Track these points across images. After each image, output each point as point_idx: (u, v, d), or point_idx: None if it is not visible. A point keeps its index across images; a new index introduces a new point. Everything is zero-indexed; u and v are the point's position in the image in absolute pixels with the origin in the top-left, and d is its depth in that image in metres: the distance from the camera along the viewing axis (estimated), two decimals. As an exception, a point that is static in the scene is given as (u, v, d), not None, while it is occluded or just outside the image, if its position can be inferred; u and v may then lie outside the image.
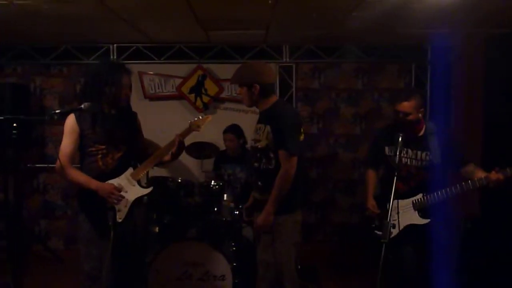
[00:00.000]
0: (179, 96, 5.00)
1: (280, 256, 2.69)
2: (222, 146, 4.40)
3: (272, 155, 2.68)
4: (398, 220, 2.86)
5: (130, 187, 2.65)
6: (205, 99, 4.99)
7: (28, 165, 4.93)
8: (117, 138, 2.62)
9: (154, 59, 4.94)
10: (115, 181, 2.60)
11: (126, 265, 2.65)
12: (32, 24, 3.92)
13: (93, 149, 2.58)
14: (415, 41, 4.76)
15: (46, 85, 5.02)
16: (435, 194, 2.80)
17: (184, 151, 2.87)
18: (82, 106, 2.45)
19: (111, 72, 2.58)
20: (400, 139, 2.62)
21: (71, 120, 2.57)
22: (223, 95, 5.00)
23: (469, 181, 2.71)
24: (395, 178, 2.52)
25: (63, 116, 2.56)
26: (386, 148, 3.00)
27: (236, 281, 3.25)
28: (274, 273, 2.72)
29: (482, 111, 4.21)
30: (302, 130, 2.81)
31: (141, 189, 2.71)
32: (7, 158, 4.02)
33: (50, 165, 4.81)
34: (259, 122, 2.81)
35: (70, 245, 4.97)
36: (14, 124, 2.31)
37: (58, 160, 2.52)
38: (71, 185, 3.23)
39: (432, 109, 4.70)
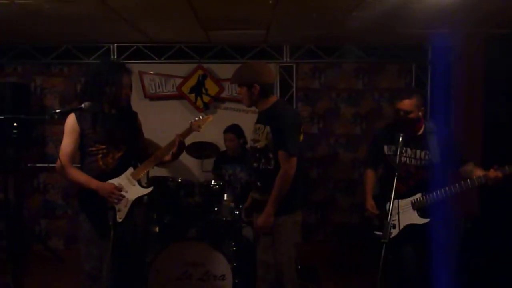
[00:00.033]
0: (179, 96, 5.00)
1: (280, 257, 2.69)
2: (222, 146, 4.40)
3: (271, 155, 2.67)
4: (398, 220, 2.86)
5: (130, 187, 2.65)
6: (206, 99, 5.00)
7: (29, 165, 4.93)
8: (118, 137, 2.62)
9: (155, 59, 4.94)
10: (115, 181, 2.61)
11: (126, 265, 2.65)
12: (33, 24, 3.93)
13: (94, 148, 2.58)
14: (415, 41, 4.76)
15: (47, 85, 5.02)
16: (434, 193, 2.79)
17: (184, 151, 2.87)
18: (83, 105, 2.45)
19: (112, 71, 2.58)
20: (400, 139, 2.61)
21: (71, 120, 2.57)
22: (224, 95, 5.00)
23: (468, 180, 2.71)
24: (396, 178, 2.51)
25: (64, 115, 2.57)
26: (385, 147, 3.00)
27: (236, 281, 3.25)
28: (274, 274, 2.72)
29: (482, 111, 4.21)
30: (301, 130, 2.81)
31: (142, 189, 2.71)
32: (8, 157, 4.02)
33: (51, 165, 4.81)
34: (258, 122, 2.80)
35: (71, 245, 4.97)
36: (15, 124, 2.31)
37: (58, 160, 2.52)
38: (72, 184, 3.23)
39: (433, 109, 4.70)
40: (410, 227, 2.86)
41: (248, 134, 3.86)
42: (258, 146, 2.72)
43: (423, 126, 2.91)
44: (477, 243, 3.49)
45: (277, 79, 5.00)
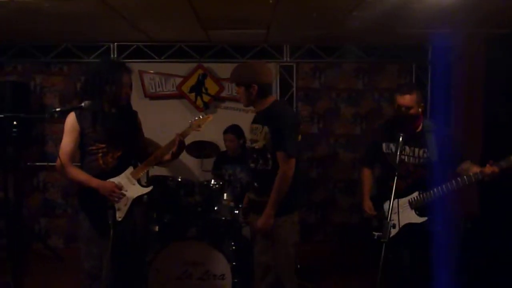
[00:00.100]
0: (179, 95, 5.00)
1: (280, 258, 2.69)
2: (222, 145, 4.40)
3: (269, 156, 2.65)
4: (398, 220, 2.85)
5: (130, 186, 2.65)
6: (206, 98, 5.00)
7: (28, 163, 4.93)
8: (117, 137, 2.62)
9: (155, 58, 4.94)
10: (115, 180, 2.60)
11: (126, 264, 2.64)
12: (33, 22, 3.92)
13: (94, 147, 2.57)
14: (416, 41, 4.76)
15: (47, 84, 5.02)
16: (431, 191, 2.78)
17: (184, 150, 2.87)
18: (83, 104, 2.45)
19: (112, 70, 2.58)
20: (400, 139, 2.60)
21: (71, 119, 2.57)
22: (224, 94, 5.00)
23: (464, 176, 2.69)
24: (395, 177, 2.50)
25: (64, 114, 2.56)
26: (384, 145, 2.97)
27: (236, 280, 3.24)
28: (273, 275, 2.72)
29: (482, 111, 4.22)
30: (300, 131, 2.80)
31: (141, 188, 2.71)
32: (7, 156, 4.01)
33: (50, 164, 4.76)
34: (255, 122, 2.78)
35: (70, 244, 4.97)
36: (14, 122, 2.31)
37: (58, 159, 2.52)
38: (71, 183, 3.23)
39: (433, 109, 4.71)
40: (409, 226, 2.85)
41: (248, 134, 3.86)
42: (256, 147, 2.71)
43: (422, 124, 2.90)
44: (477, 243, 3.50)
45: (277, 78, 5.01)
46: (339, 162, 5.17)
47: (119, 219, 2.58)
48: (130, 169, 2.67)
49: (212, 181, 3.76)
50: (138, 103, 4.34)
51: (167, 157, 2.77)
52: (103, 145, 2.59)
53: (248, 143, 2.84)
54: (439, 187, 2.75)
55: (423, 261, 2.79)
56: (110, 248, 2.47)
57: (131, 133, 2.73)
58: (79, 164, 2.65)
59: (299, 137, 2.76)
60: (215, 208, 3.64)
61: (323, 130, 5.17)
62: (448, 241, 2.90)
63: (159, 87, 5.00)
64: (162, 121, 4.50)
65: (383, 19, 3.61)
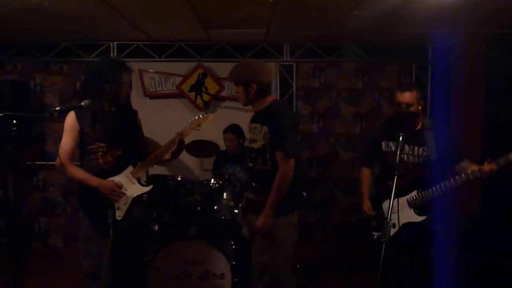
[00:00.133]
0: (179, 95, 5.00)
1: (278, 258, 2.68)
2: (222, 144, 4.40)
3: (268, 156, 2.64)
4: (398, 219, 2.85)
5: (130, 185, 2.64)
6: (206, 97, 4.99)
7: (28, 162, 4.93)
8: (117, 136, 2.62)
9: (155, 57, 4.94)
10: (115, 179, 2.60)
11: (125, 264, 2.65)
12: (33, 21, 3.92)
13: (93, 146, 2.57)
14: (416, 41, 4.76)
15: (47, 83, 5.02)
16: (430, 190, 2.77)
17: (184, 149, 2.87)
18: (82, 103, 2.45)
19: (111, 69, 2.57)
20: (400, 138, 2.59)
21: (71, 118, 2.57)
22: (224, 93, 5.00)
23: (463, 174, 2.68)
24: (396, 177, 2.50)
25: (63, 113, 2.56)
26: (383, 144, 2.96)
27: (235, 279, 3.24)
28: (271, 275, 2.71)
29: (482, 111, 4.21)
30: (299, 131, 2.78)
31: (141, 187, 2.71)
32: (7, 155, 4.01)
33: (50, 163, 4.82)
34: (254, 121, 2.76)
35: (70, 243, 4.97)
36: (14, 121, 2.30)
37: (58, 158, 2.51)
38: (71, 182, 3.23)
39: (433, 109, 4.71)
40: (408, 225, 2.84)
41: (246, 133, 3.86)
42: (255, 147, 2.69)
43: (421, 122, 2.90)
44: (477, 243, 3.49)
45: (277, 78, 5.01)
46: (339, 162, 5.17)
47: (119, 218, 2.58)
48: (130, 168, 2.67)
49: (212, 181, 3.76)
50: (138, 102, 4.31)
51: (167, 156, 2.77)
52: (103, 144, 2.58)
53: (247, 143, 2.82)
54: (438, 186, 2.75)
55: (423, 260, 2.78)
56: (109, 247, 2.47)
57: (131, 132, 2.72)
58: (78, 163, 2.65)
59: (299, 137, 2.75)
60: (215, 207, 3.64)
61: (323, 130, 5.17)
62: (448, 240, 2.90)
63: (159, 86, 4.99)
64: (162, 120, 4.49)
65: (383, 18, 3.61)
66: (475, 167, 2.67)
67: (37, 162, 4.97)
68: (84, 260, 2.60)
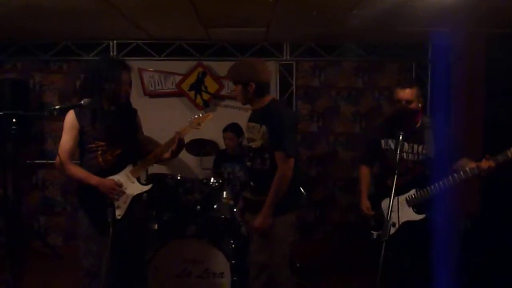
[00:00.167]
0: (179, 93, 4.99)
1: (276, 257, 2.68)
2: (221, 143, 4.40)
3: (267, 155, 2.63)
4: (398, 218, 2.84)
5: (129, 184, 2.64)
6: (205, 96, 4.99)
7: (27, 161, 4.93)
8: (117, 135, 2.62)
9: (154, 56, 4.93)
10: (114, 178, 2.60)
11: (125, 262, 2.65)
12: (33, 20, 3.92)
13: (93, 145, 2.57)
14: (416, 40, 4.76)
15: (46, 81, 5.01)
16: (428, 188, 2.77)
17: (184, 148, 2.86)
18: (82, 102, 2.44)
19: (111, 68, 2.57)
20: (400, 137, 2.59)
21: (70, 117, 2.57)
22: (223, 92, 4.99)
23: (461, 172, 2.68)
24: (396, 176, 2.49)
25: (63, 112, 2.56)
26: (382, 142, 2.95)
27: (235, 278, 3.24)
28: (268, 274, 2.71)
29: (482, 110, 4.21)
30: (298, 130, 2.78)
31: (141, 186, 2.71)
32: (6, 153, 4.00)
33: (49, 161, 4.81)
34: (252, 120, 2.74)
35: (69, 242, 4.97)
36: (14, 120, 2.30)
37: (58, 156, 2.51)
38: (71, 181, 3.22)
39: (433, 108, 4.70)
40: (407, 224, 2.84)
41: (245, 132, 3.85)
42: (254, 146, 2.68)
43: (420, 120, 2.90)
44: (477, 243, 3.49)
45: (277, 77, 5.00)
46: (338, 161, 5.17)
47: (119, 217, 2.58)
48: (130, 167, 2.67)
49: (212, 179, 3.76)
50: (137, 101, 4.29)
51: (167, 155, 2.77)
52: (103, 143, 2.58)
53: (245, 142, 2.80)
54: (436, 184, 2.74)
55: (423, 259, 2.78)
56: (109, 246, 2.47)
57: (131, 131, 2.72)
58: (78, 162, 2.65)
59: (298, 136, 2.75)
60: (215, 206, 3.64)
61: (323, 129, 5.17)
62: (447, 239, 2.90)
63: (158, 85, 4.99)
64: (161, 119, 4.48)
65: (383, 17, 3.61)
66: (473, 165, 2.67)
67: (37, 161, 4.97)
68: (84, 258, 2.61)
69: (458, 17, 3.54)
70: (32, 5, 3.38)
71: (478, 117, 4.21)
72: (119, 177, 2.61)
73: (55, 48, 4.88)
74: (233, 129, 4.19)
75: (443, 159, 2.77)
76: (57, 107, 2.45)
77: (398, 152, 2.56)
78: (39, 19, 3.86)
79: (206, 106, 4.97)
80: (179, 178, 3.71)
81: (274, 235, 2.64)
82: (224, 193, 3.70)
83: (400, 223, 2.84)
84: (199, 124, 2.86)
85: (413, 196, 2.84)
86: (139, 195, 2.70)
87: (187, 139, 2.94)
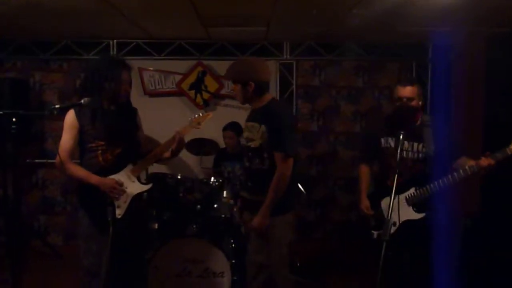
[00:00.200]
0: (179, 93, 4.99)
1: (274, 257, 2.67)
2: (221, 142, 4.40)
3: (266, 155, 2.61)
4: (398, 217, 2.83)
5: (129, 183, 2.64)
6: (205, 95, 4.99)
7: (27, 161, 4.92)
8: (117, 134, 2.61)
9: (154, 55, 4.93)
10: (114, 177, 2.60)
11: (125, 262, 2.64)
12: (33, 19, 3.91)
13: (93, 145, 2.57)
14: (416, 39, 4.75)
15: (46, 80, 5.01)
16: (428, 187, 2.76)
17: (184, 147, 2.86)
18: (82, 101, 2.44)
19: (111, 67, 2.57)
20: (401, 136, 2.58)
21: (70, 116, 2.57)
22: (223, 91, 4.99)
23: (460, 170, 2.67)
24: (396, 175, 2.49)
25: (63, 111, 2.55)
26: (382, 140, 2.94)
27: (235, 278, 3.24)
28: (266, 274, 2.70)
29: (482, 110, 4.21)
30: (297, 130, 2.77)
31: (141, 185, 2.71)
32: (6, 153, 4.00)
33: (50, 161, 4.81)
34: (251, 120, 2.72)
35: (70, 241, 4.97)
36: (14, 119, 2.29)
37: (58, 156, 2.51)
38: (71, 180, 3.22)
39: (433, 107, 4.70)
40: (407, 223, 2.83)
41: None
42: (252, 146, 2.66)
43: (420, 118, 2.89)
44: (477, 242, 3.49)
45: (277, 76, 5.00)
46: (338, 160, 5.17)
47: (119, 216, 2.58)
48: (130, 167, 2.66)
49: (212, 179, 3.76)
50: (137, 100, 4.29)
51: (167, 154, 2.77)
52: (102, 142, 2.58)
53: (243, 141, 2.78)
54: (436, 182, 2.73)
55: (423, 258, 2.77)
56: (109, 245, 2.47)
57: (131, 131, 2.72)
58: (78, 161, 2.65)
59: (299, 136, 2.74)
60: (215, 205, 3.64)
61: (323, 128, 5.17)
62: (448, 238, 2.89)
63: (158, 84, 4.98)
64: (161, 119, 4.48)
65: (383, 16, 3.60)
66: (472, 163, 2.66)
67: (37, 160, 4.97)
68: (84, 258, 2.60)
69: (458, 16, 3.54)
70: (32, 4, 3.38)
71: (478, 116, 4.21)
72: (119, 177, 2.61)
73: (55, 47, 4.88)
74: (233, 128, 4.18)
75: (443, 158, 2.76)
76: (57, 106, 2.45)
77: (398, 151, 2.56)
78: (39, 18, 3.85)
79: (206, 105, 4.97)
80: (179, 177, 3.71)
81: (272, 235, 2.63)
82: (224, 192, 3.70)
83: (400, 222, 2.84)
84: (199, 124, 2.86)
85: (412, 194, 2.83)
86: (140, 195, 2.70)
87: (187, 138, 2.94)
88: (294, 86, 5.07)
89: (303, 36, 4.75)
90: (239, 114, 4.66)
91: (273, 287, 2.71)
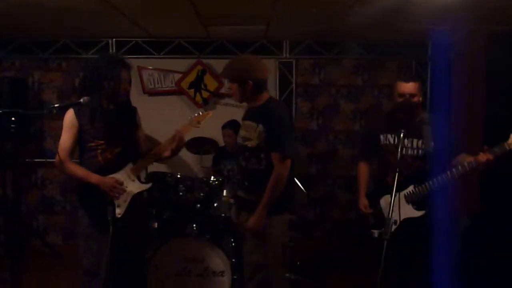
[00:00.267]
0: (178, 91, 4.98)
1: (270, 257, 2.65)
2: (221, 141, 4.39)
3: (262, 155, 2.58)
4: (399, 215, 2.83)
5: (129, 182, 2.63)
6: (205, 94, 4.98)
7: (27, 160, 4.91)
8: (116, 133, 2.61)
9: (154, 54, 4.92)
10: (114, 176, 2.59)
11: (125, 261, 2.64)
12: (32, 17, 3.90)
13: (93, 144, 2.56)
14: (416, 38, 4.75)
15: (45, 79, 5.00)
16: (427, 184, 2.75)
17: (183, 147, 2.85)
18: (81, 100, 2.43)
19: (110, 66, 2.56)
20: (402, 135, 2.58)
21: (70, 115, 2.56)
22: (223, 90, 4.98)
23: (459, 166, 2.66)
24: (396, 174, 2.48)
25: (62, 110, 2.54)
26: (381, 137, 2.93)
27: (235, 277, 3.24)
28: (263, 274, 2.68)
29: (482, 108, 4.20)
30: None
31: (141, 184, 2.70)
32: (6, 152, 4.00)
33: (49, 160, 4.80)
34: (248, 119, 2.69)
35: (69, 240, 4.96)
36: (13, 118, 2.29)
37: (57, 155, 2.50)
38: (70, 180, 3.22)
39: (432, 106, 4.70)
40: (407, 221, 2.82)
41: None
42: (249, 145, 2.63)
43: (420, 115, 2.88)
44: (477, 240, 3.49)
45: (277, 74, 4.99)
46: (338, 158, 5.17)
47: (119, 216, 2.57)
48: (130, 166, 2.66)
49: (212, 178, 3.75)
50: (137, 99, 4.28)
51: (167, 153, 2.77)
52: (102, 142, 2.57)
53: (240, 140, 2.73)
54: (435, 179, 2.73)
55: (423, 255, 2.77)
56: (109, 245, 2.47)
57: (130, 130, 2.71)
58: (77, 160, 2.64)
59: (298, 136, 2.73)
60: (215, 204, 3.63)
61: (323, 126, 5.16)
62: (447, 235, 2.89)
63: (158, 83, 4.97)
64: (161, 118, 4.47)
65: (383, 15, 3.59)
66: (471, 158, 2.65)
67: (36, 160, 4.96)
68: (83, 257, 2.60)
69: (458, 15, 3.53)
70: (32, 3, 3.37)
71: (478, 115, 4.21)
72: (119, 176, 2.60)
73: (54, 46, 4.86)
74: (232, 126, 4.17)
75: (442, 156, 2.76)
76: (56, 105, 2.45)
77: (399, 150, 2.56)
78: (38, 16, 3.84)
79: (205, 104, 4.96)
80: (179, 176, 3.71)
81: (269, 234, 2.61)
82: (224, 191, 3.69)
83: (400, 220, 2.83)
84: (199, 123, 2.85)
85: (411, 192, 2.83)
86: (139, 194, 2.69)
87: (187, 137, 2.93)
88: (293, 85, 5.07)
89: (303, 34, 4.74)
90: (239, 113, 4.61)
91: (270, 287, 2.70)
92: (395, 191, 2.47)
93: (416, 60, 5.07)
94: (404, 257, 2.86)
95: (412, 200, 2.83)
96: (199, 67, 4.96)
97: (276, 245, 2.65)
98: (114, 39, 4.87)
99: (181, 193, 3.66)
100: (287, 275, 3.31)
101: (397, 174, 2.47)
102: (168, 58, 4.93)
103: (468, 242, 3.49)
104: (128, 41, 4.87)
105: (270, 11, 3.64)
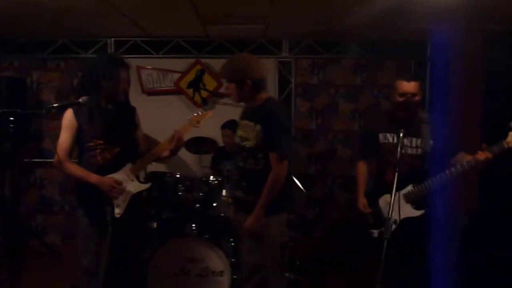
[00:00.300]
0: (177, 91, 4.97)
1: (268, 257, 2.64)
2: (220, 141, 4.39)
3: (260, 155, 2.57)
4: (399, 215, 2.83)
5: (128, 182, 2.63)
6: (204, 94, 4.97)
7: (25, 160, 4.91)
8: (115, 133, 2.60)
9: (152, 54, 4.91)
10: (113, 176, 2.58)
11: (124, 261, 2.64)
12: (31, 17, 3.89)
13: (91, 144, 2.55)
14: (415, 38, 4.75)
15: (43, 79, 4.99)
16: (425, 183, 2.75)
17: (182, 146, 2.85)
18: (80, 100, 2.43)
19: (109, 66, 2.56)
20: (401, 135, 2.58)
21: (69, 115, 2.55)
22: (222, 90, 4.98)
23: (458, 165, 2.65)
24: (396, 174, 2.48)
25: (61, 110, 2.54)
26: (380, 136, 2.91)
27: (235, 276, 3.24)
28: (261, 274, 2.67)
29: (481, 108, 4.21)
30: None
31: (140, 184, 2.69)
32: (4, 152, 3.99)
33: (47, 160, 4.79)
34: (246, 118, 2.67)
35: (68, 240, 4.96)
36: (11, 118, 2.28)
37: (56, 155, 2.50)
38: (68, 180, 3.21)
39: (432, 106, 4.70)
40: (406, 220, 2.82)
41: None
42: (247, 145, 2.61)
43: (419, 115, 2.88)
44: (476, 239, 3.49)
45: (276, 74, 4.99)
46: (337, 158, 5.17)
47: (118, 216, 2.57)
48: (129, 166, 2.65)
49: (211, 177, 3.75)
50: (135, 99, 4.25)
51: (166, 153, 2.76)
52: (101, 141, 2.57)
53: (237, 140, 2.71)
54: (433, 178, 2.73)
55: (422, 255, 2.77)
56: (108, 245, 2.46)
57: (129, 129, 2.71)
58: (76, 160, 2.63)
59: (298, 136, 2.72)
60: (214, 204, 3.63)
61: (322, 126, 5.16)
62: (447, 235, 2.89)
63: (156, 83, 4.97)
64: (160, 117, 4.44)
65: (382, 14, 3.59)
66: (470, 157, 2.65)
67: (34, 160, 4.95)
68: (82, 257, 2.59)
69: (457, 14, 3.53)
70: (31, 3, 3.36)
71: (477, 114, 4.20)
72: (118, 176, 2.60)
73: (53, 46, 4.86)
74: (231, 126, 4.17)
75: (441, 155, 2.76)
76: (55, 105, 2.45)
77: (399, 150, 2.55)
78: (38, 16, 3.84)
79: (204, 104, 4.96)
80: (178, 176, 3.71)
81: (267, 234, 2.60)
82: (224, 191, 3.69)
83: (400, 220, 2.83)
84: (198, 122, 2.85)
85: (410, 191, 2.82)
86: (139, 194, 2.69)
87: (186, 137, 2.92)
88: (292, 85, 5.07)
89: (302, 34, 4.74)
90: (238, 113, 4.60)
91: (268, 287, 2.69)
92: (391, 189, 2.46)
93: (415, 60, 5.07)
94: (404, 256, 2.86)
95: (411, 199, 2.82)
96: (198, 67, 4.95)
97: (274, 245, 2.64)
98: (112, 39, 4.86)
99: (180, 193, 3.66)
100: (287, 275, 3.32)
101: (396, 174, 2.46)
102: (167, 57, 4.92)
103: (467, 241, 3.49)
104: (127, 41, 4.86)
105: (269, 10, 3.64)
